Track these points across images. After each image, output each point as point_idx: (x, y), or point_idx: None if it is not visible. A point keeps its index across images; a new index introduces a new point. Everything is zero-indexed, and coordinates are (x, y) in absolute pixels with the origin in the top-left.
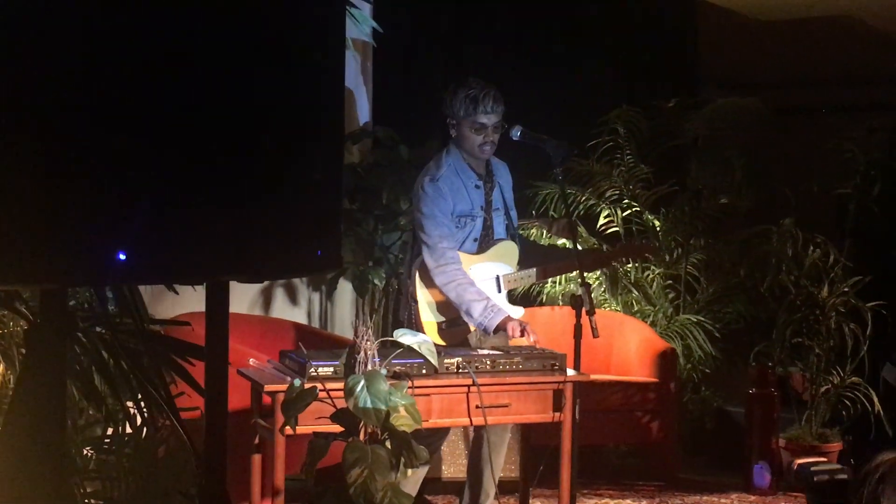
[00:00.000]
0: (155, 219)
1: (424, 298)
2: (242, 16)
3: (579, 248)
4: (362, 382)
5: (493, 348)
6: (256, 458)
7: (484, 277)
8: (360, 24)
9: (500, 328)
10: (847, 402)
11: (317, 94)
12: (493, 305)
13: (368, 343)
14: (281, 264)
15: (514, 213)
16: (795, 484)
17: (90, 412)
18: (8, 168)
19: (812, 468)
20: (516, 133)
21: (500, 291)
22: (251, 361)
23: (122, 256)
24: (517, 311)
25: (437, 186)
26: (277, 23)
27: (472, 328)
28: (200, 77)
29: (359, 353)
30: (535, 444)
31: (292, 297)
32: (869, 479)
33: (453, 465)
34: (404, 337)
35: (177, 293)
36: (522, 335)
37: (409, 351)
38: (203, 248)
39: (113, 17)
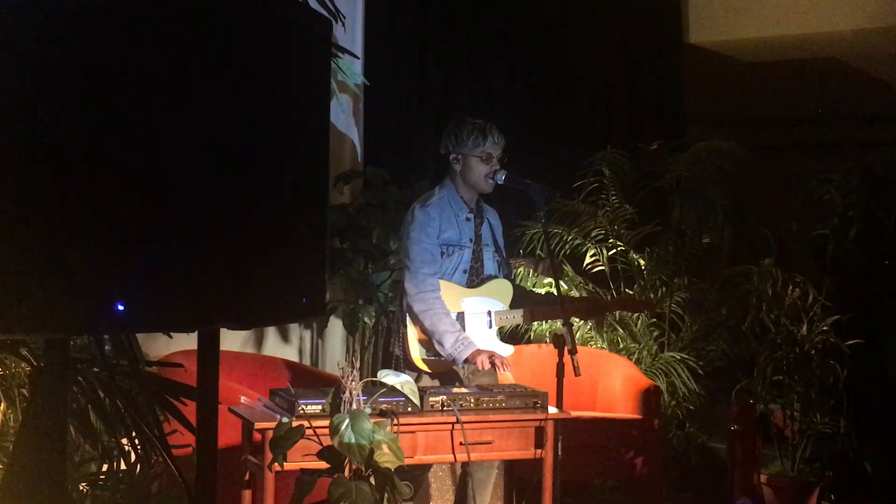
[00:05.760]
0: (150, 271)
1: (414, 335)
2: (233, 75)
3: (564, 288)
4: (347, 421)
5: (478, 386)
6: (247, 494)
7: (475, 311)
8: (350, 78)
9: (470, 361)
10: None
11: (303, 151)
12: (464, 338)
13: (353, 383)
14: (268, 312)
15: (504, 254)
16: None
17: (86, 449)
18: (15, 229)
19: None
20: (501, 177)
21: (490, 327)
22: (242, 399)
23: (121, 307)
24: (507, 349)
25: (426, 211)
26: (265, 80)
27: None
28: (193, 136)
29: (344, 392)
30: (520, 479)
31: (284, 335)
32: None
33: (440, 500)
34: (388, 377)
35: (170, 336)
36: (492, 367)
37: (394, 389)
38: (194, 298)
39: (112, 74)
